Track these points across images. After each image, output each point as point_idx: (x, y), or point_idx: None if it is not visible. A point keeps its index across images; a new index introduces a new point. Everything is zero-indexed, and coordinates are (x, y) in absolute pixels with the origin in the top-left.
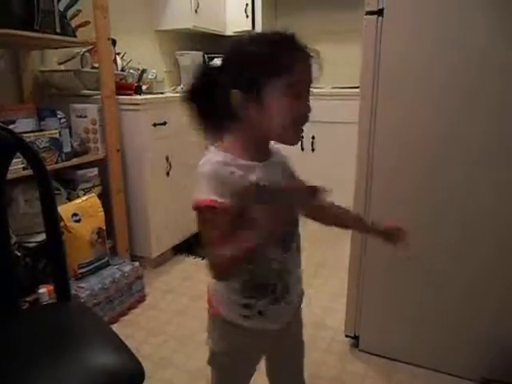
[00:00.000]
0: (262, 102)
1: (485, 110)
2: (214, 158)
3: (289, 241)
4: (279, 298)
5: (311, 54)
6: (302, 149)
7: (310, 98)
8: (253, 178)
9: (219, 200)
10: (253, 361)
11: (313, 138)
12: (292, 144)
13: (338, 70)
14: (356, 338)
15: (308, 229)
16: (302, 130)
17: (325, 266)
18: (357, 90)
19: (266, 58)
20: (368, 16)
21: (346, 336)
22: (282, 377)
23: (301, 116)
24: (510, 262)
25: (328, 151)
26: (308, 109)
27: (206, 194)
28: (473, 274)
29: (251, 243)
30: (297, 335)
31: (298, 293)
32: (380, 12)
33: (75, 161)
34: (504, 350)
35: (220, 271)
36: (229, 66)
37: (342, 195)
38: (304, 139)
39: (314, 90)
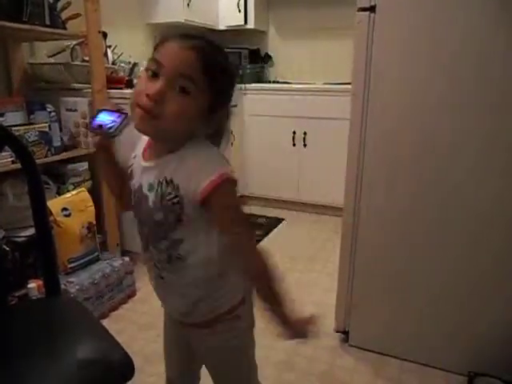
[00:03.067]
0: None
1: (482, 106)
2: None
3: (148, 241)
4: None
5: (183, 35)
6: (294, 144)
7: (167, 86)
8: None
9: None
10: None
11: (304, 133)
12: (136, 127)
13: (329, 65)
14: (346, 333)
15: (299, 225)
16: (142, 115)
17: (316, 261)
18: (349, 86)
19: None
20: (360, 12)
21: (337, 331)
22: None
23: (135, 95)
24: (492, 260)
25: (320, 147)
26: (141, 88)
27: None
28: (461, 272)
29: None
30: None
31: (176, 309)
32: (372, 8)
33: (65, 155)
34: (490, 344)
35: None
36: None
37: (333, 190)
38: (296, 135)
39: (306, 86)
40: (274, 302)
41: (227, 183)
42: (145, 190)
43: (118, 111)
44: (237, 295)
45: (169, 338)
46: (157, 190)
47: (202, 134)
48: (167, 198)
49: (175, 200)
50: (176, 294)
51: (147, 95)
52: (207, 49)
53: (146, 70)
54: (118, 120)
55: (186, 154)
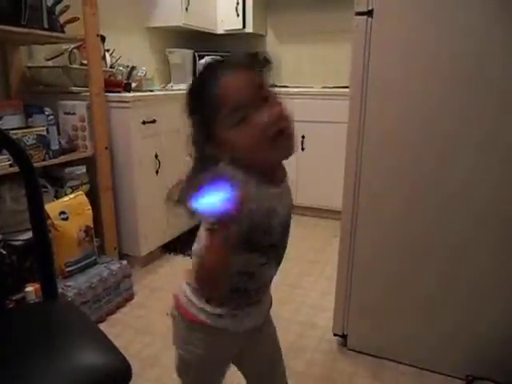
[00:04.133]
0: (218, 139)
1: (482, 107)
2: None
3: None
4: (254, 301)
5: (239, 66)
6: None
7: (273, 100)
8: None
9: None
10: (223, 366)
11: (303, 137)
12: (282, 158)
13: (328, 69)
14: (344, 336)
15: (298, 229)
16: (286, 136)
17: (315, 265)
18: (347, 89)
19: (197, 97)
20: (358, 17)
21: (335, 335)
22: None
23: (266, 129)
24: (491, 261)
25: (318, 150)
26: (270, 117)
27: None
28: (459, 275)
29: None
30: (272, 338)
31: (269, 293)
32: (370, 13)
33: (63, 158)
34: (489, 346)
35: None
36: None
37: (332, 194)
38: None
39: (304, 90)
40: None
41: None
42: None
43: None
44: None
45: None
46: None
47: None
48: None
49: None
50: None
51: (279, 117)
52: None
53: (233, 121)
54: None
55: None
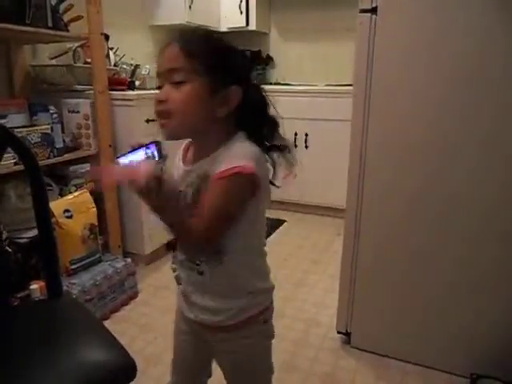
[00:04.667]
0: None
1: (483, 107)
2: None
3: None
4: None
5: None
6: (296, 146)
7: (168, 85)
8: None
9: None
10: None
11: (306, 135)
12: (165, 138)
13: (331, 67)
14: (348, 334)
15: (301, 227)
16: (161, 123)
17: (318, 263)
18: (350, 87)
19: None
20: (362, 14)
21: (338, 332)
22: None
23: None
24: (493, 261)
25: (321, 148)
26: (155, 99)
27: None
28: (462, 273)
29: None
30: (225, 369)
31: (200, 307)
32: (374, 10)
33: (67, 156)
34: (493, 344)
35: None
36: None
37: (335, 192)
38: (297, 136)
39: (308, 87)
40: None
41: (238, 176)
42: (183, 187)
43: (143, 145)
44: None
45: (183, 345)
46: (194, 186)
47: (225, 121)
48: (203, 191)
49: None
50: (196, 291)
51: (155, 101)
52: (185, 37)
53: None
54: (152, 148)
55: (219, 153)
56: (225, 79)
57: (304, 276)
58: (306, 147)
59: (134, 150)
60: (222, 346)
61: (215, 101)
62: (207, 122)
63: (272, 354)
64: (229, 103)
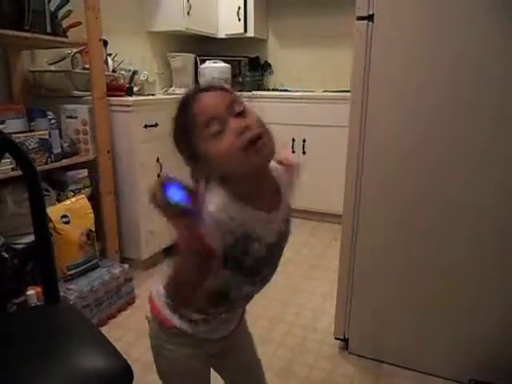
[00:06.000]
0: (202, 158)
1: (483, 110)
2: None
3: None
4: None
5: (205, 88)
6: (293, 151)
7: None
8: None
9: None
10: (198, 372)
11: (304, 141)
12: (254, 165)
13: (329, 73)
14: (346, 340)
15: (299, 232)
16: (256, 147)
17: (316, 268)
18: (348, 93)
19: (176, 124)
20: (359, 21)
21: (336, 338)
22: None
23: (235, 140)
24: (491, 264)
25: (319, 154)
26: (241, 128)
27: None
28: (459, 278)
29: None
30: (248, 349)
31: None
32: (370, 17)
33: (65, 162)
34: (489, 352)
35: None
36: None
37: (333, 197)
38: (295, 142)
39: (306, 94)
40: None
41: None
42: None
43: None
44: None
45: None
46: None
47: None
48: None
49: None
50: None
51: (247, 126)
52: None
53: (213, 135)
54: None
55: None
56: None
57: (302, 281)
58: (304, 153)
59: (169, 185)
60: (240, 333)
61: None
62: None
63: (269, 360)
64: None
